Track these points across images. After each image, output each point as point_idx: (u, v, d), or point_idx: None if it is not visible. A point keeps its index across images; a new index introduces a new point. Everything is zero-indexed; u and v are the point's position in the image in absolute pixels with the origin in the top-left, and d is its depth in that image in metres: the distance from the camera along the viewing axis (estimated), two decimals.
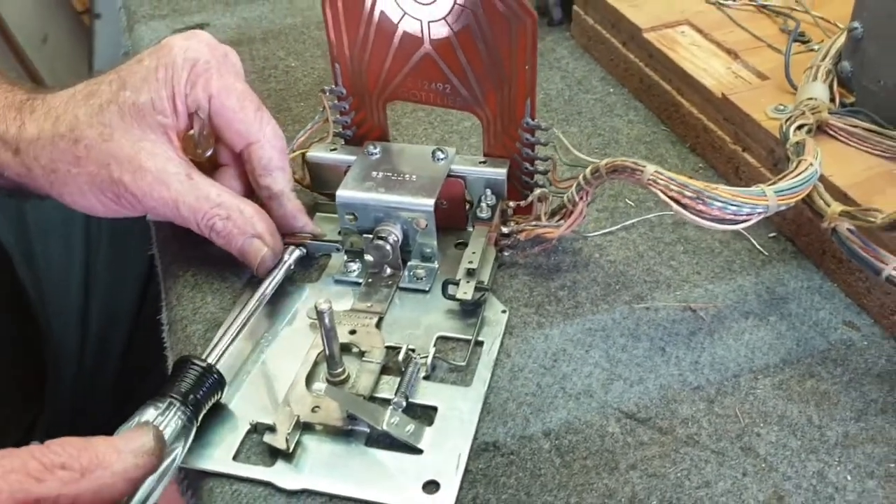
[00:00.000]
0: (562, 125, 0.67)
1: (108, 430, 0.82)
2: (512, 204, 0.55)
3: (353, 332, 0.50)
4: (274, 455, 0.44)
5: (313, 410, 0.45)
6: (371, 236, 0.53)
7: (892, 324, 0.49)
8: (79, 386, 0.78)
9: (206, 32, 0.54)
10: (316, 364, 0.48)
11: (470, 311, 0.51)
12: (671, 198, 0.46)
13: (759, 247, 0.55)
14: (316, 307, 0.44)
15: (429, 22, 0.52)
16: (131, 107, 0.50)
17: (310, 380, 0.47)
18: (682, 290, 0.52)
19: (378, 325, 0.50)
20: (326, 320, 0.44)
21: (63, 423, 0.74)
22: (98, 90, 0.52)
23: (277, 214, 0.54)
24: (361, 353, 0.48)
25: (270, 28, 0.82)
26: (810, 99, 0.55)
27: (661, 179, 0.46)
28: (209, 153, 0.55)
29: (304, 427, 0.45)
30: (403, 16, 0.52)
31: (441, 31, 0.52)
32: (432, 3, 0.51)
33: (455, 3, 0.50)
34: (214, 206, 0.51)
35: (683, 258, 0.54)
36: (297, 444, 0.44)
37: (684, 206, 0.46)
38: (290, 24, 0.83)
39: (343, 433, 0.44)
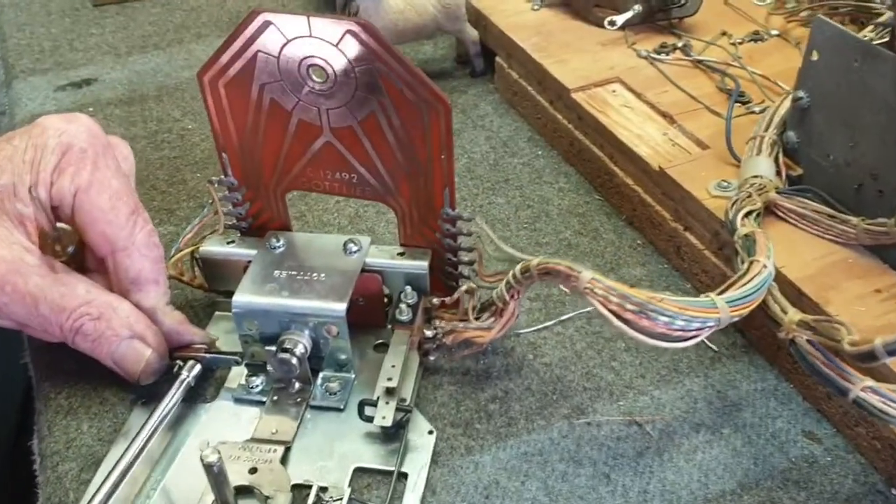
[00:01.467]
0: (488, 195, 0.61)
1: None
2: (436, 301, 0.49)
3: (253, 470, 0.43)
4: None
5: None
6: (274, 348, 0.46)
7: (856, 435, 0.44)
8: None
9: (89, 118, 0.47)
10: None
11: (392, 433, 0.45)
12: (611, 311, 0.40)
13: (706, 341, 0.50)
14: (202, 460, 0.37)
15: (327, 110, 0.45)
16: None
17: None
18: (625, 399, 0.47)
19: (284, 458, 0.44)
20: (216, 472, 0.38)
21: None
22: None
23: None
24: (265, 498, 0.41)
25: (165, 83, 0.75)
26: (755, 177, 0.50)
27: (599, 289, 0.41)
28: (70, 250, 0.47)
29: None
30: (297, 103, 0.45)
31: (342, 118, 0.45)
32: (329, 90, 0.44)
33: (356, 91, 0.44)
34: (83, 303, 0.44)
35: (625, 358, 0.49)
36: None
37: (626, 322, 0.40)
38: (188, 77, 0.75)
39: None
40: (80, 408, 0.47)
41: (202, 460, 0.37)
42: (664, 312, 0.40)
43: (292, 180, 0.48)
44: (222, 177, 0.49)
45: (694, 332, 0.40)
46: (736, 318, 0.41)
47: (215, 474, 0.38)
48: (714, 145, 0.56)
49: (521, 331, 0.51)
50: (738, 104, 0.59)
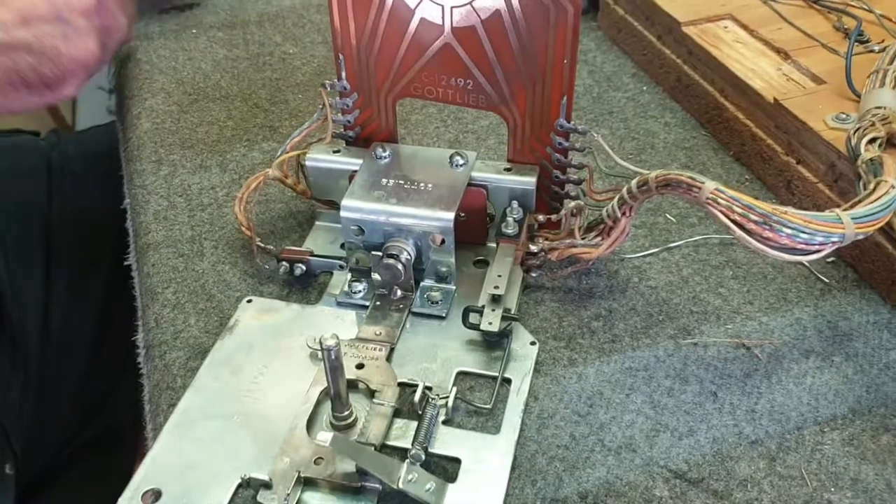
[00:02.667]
0: (591, 126, 0.60)
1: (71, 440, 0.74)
2: (541, 217, 0.49)
3: (360, 366, 0.43)
4: None
5: (316, 462, 0.39)
6: (379, 253, 0.46)
7: None
8: (39, 393, 0.71)
9: None
10: (318, 404, 0.42)
11: (494, 341, 0.45)
12: (733, 221, 0.40)
13: (816, 273, 0.49)
14: (321, 343, 0.38)
15: (452, 7, 0.45)
16: None
17: (311, 423, 0.41)
18: (733, 324, 0.46)
19: (388, 358, 0.44)
20: (333, 357, 0.38)
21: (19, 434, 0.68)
22: None
23: None
24: (371, 392, 0.42)
25: (266, 10, 0.75)
26: (878, 108, 0.48)
27: (723, 199, 0.40)
28: None
29: (305, 482, 0.38)
30: (422, 0, 0.45)
31: (466, 18, 0.45)
32: None
33: None
34: None
35: (733, 285, 0.48)
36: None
37: (748, 232, 0.39)
38: (289, 6, 0.76)
39: (351, 490, 0.38)
40: (188, 303, 0.48)
41: (321, 343, 0.38)
42: (788, 224, 0.39)
43: (406, 86, 0.48)
44: (335, 80, 0.50)
45: (817, 247, 0.39)
46: (861, 236, 0.39)
47: (332, 360, 0.38)
48: (831, 81, 0.54)
49: (626, 255, 0.50)
50: (857, 43, 0.57)
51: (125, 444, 0.84)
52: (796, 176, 0.52)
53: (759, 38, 0.59)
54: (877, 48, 0.57)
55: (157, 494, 0.38)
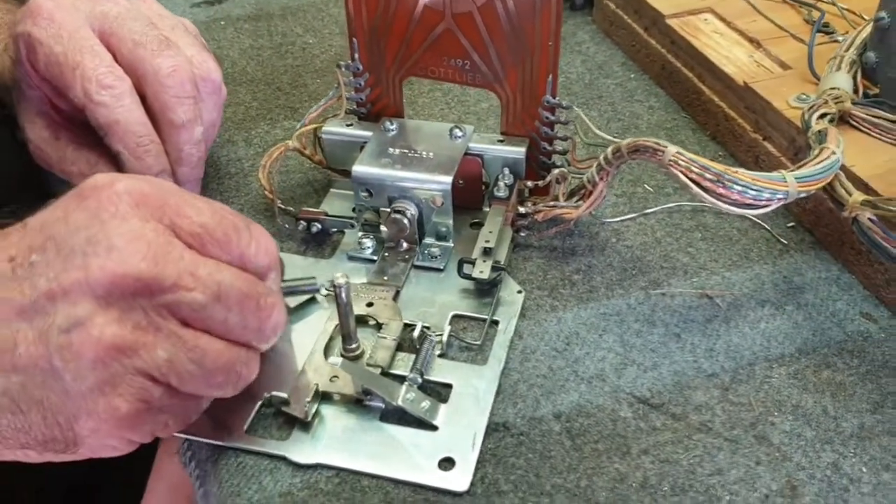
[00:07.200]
0: (581, 108, 0.66)
1: None
2: (529, 184, 0.55)
3: (370, 304, 0.49)
4: (289, 427, 0.43)
5: (331, 380, 0.45)
6: (388, 209, 0.53)
7: None
8: None
9: None
10: (332, 338, 0.48)
11: (485, 290, 0.51)
12: (691, 179, 0.45)
13: (777, 236, 0.54)
14: (333, 282, 0.44)
15: None
16: None
17: (328, 351, 0.47)
18: (698, 277, 0.52)
19: (395, 299, 0.50)
20: (343, 295, 0.44)
21: None
22: None
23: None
24: (378, 326, 0.48)
25: (289, 4, 0.82)
26: (833, 88, 0.54)
27: (682, 161, 0.46)
28: None
29: (322, 396, 0.44)
30: None
31: (464, 4, 0.51)
32: None
33: None
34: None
35: (701, 245, 0.54)
36: (315, 414, 0.44)
37: (704, 189, 0.45)
38: (309, 1, 0.82)
39: (359, 406, 0.44)
40: None
41: (332, 283, 0.44)
42: (738, 182, 0.44)
43: (411, 66, 0.55)
44: (349, 62, 0.56)
45: (765, 202, 0.45)
46: (803, 194, 0.45)
47: (342, 297, 0.44)
48: (797, 67, 0.60)
49: (606, 220, 0.56)
50: (823, 33, 0.62)
51: None
52: (763, 151, 0.57)
53: (735, 29, 0.65)
54: (840, 38, 0.62)
55: None
